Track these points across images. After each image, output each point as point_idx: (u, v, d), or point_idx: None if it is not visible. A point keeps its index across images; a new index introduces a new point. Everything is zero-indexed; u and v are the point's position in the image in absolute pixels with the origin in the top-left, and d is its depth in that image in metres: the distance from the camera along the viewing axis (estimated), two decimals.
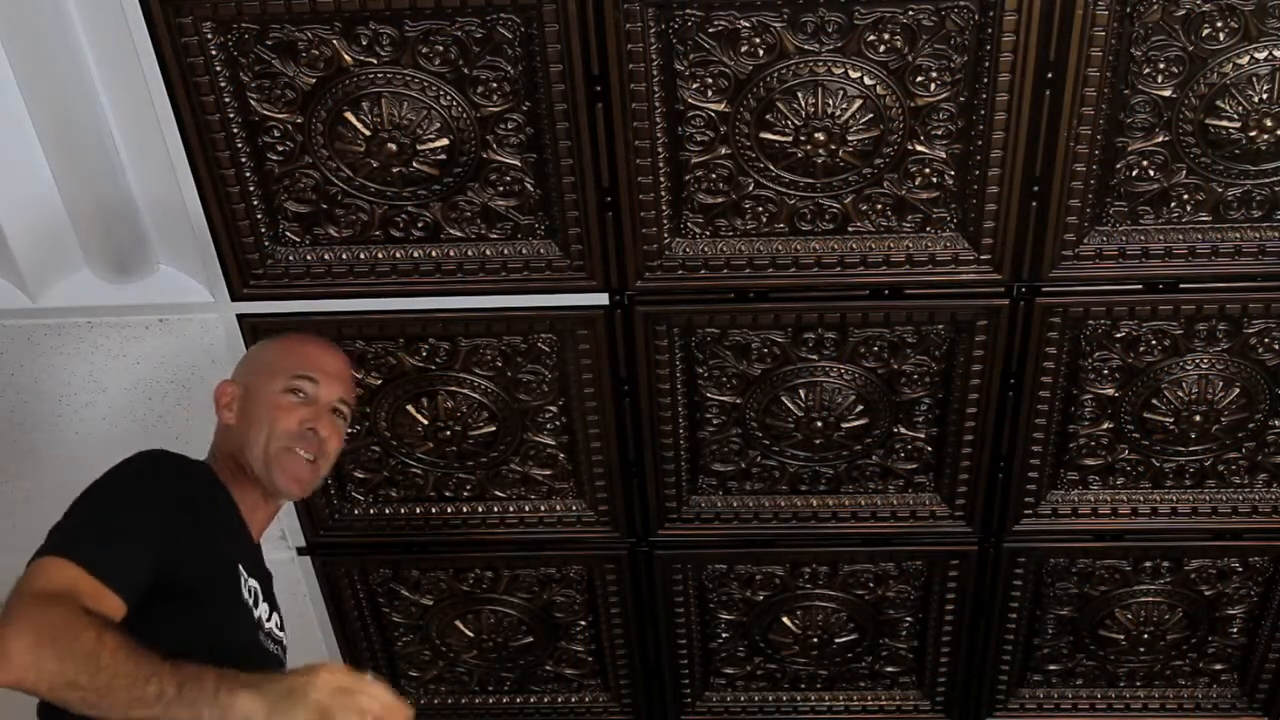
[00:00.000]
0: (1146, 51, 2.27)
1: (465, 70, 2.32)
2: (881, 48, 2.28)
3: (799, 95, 2.34)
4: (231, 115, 2.38)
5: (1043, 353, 2.66)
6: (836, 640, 3.25)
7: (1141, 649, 3.24)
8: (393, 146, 2.41)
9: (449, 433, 2.85)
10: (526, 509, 3.00)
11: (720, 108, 2.36)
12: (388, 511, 3.02)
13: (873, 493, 2.95)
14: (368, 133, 2.39)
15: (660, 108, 2.35)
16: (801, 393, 2.77)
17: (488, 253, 2.56)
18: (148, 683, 1.81)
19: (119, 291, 2.67)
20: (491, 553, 3.08)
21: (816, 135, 2.38)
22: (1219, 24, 2.23)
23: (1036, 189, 2.43)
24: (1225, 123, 2.35)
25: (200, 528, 2.12)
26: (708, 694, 3.41)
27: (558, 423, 2.85)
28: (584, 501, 2.99)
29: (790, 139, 2.39)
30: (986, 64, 2.28)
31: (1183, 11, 2.23)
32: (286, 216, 2.53)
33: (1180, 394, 2.73)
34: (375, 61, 2.32)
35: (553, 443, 2.89)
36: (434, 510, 3.01)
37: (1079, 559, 3.05)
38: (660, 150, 2.40)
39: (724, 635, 3.27)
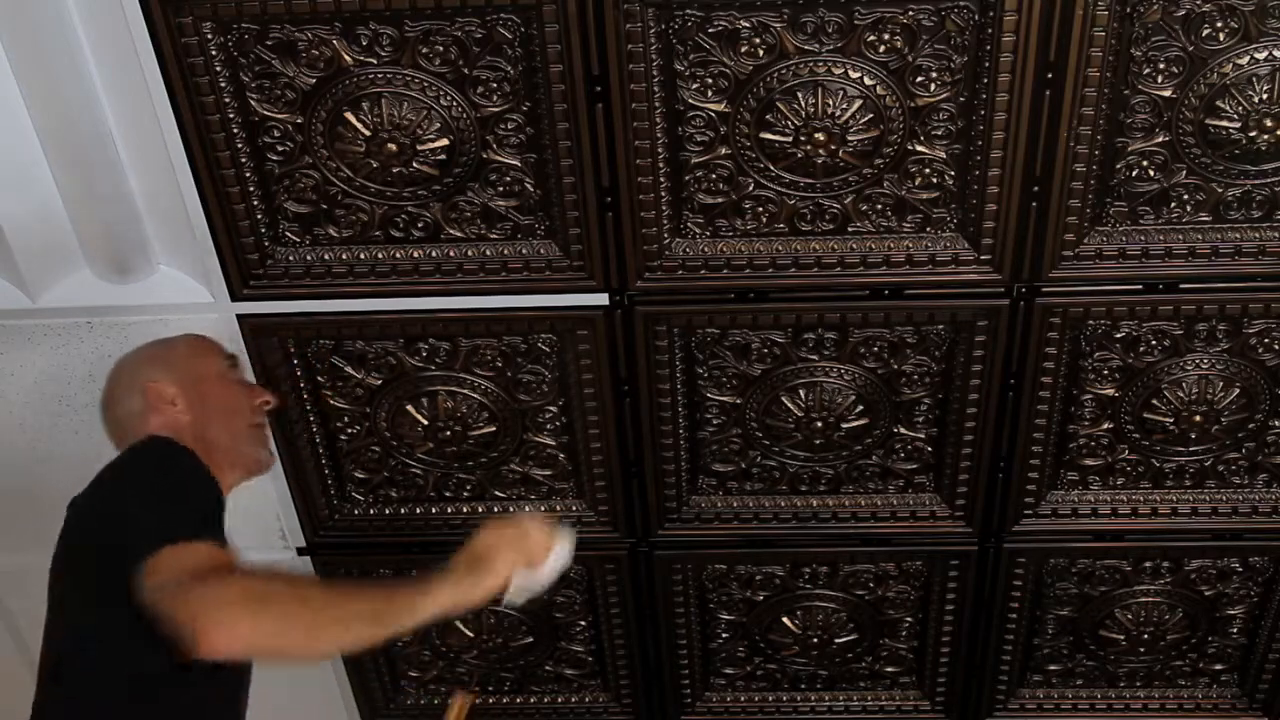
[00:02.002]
0: (1146, 51, 2.27)
1: (465, 70, 2.32)
2: (881, 48, 2.28)
3: (799, 95, 2.33)
4: (231, 115, 2.38)
5: (1043, 353, 2.66)
6: (836, 640, 3.25)
7: (1141, 649, 3.24)
8: (393, 146, 2.41)
9: (449, 433, 2.85)
10: (526, 509, 3.00)
11: (720, 108, 2.36)
12: (388, 511, 3.02)
13: (873, 493, 2.95)
14: (368, 133, 2.39)
15: (660, 108, 2.35)
16: (801, 393, 2.77)
17: (488, 253, 2.56)
18: (352, 601, 1.97)
19: (119, 291, 2.67)
20: None
21: (816, 135, 2.38)
22: (1219, 24, 2.23)
23: (1036, 189, 2.43)
24: (1225, 123, 2.34)
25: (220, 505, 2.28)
26: (708, 694, 3.41)
27: (558, 423, 2.84)
28: (584, 502, 2.98)
29: (790, 139, 2.39)
30: (986, 64, 2.28)
31: (1183, 11, 2.23)
32: (286, 216, 2.53)
33: (1180, 394, 2.73)
34: (375, 61, 2.32)
35: (553, 443, 2.88)
36: (434, 510, 3.01)
37: (1079, 559, 3.05)
38: (660, 150, 2.40)
39: (724, 635, 3.27)
